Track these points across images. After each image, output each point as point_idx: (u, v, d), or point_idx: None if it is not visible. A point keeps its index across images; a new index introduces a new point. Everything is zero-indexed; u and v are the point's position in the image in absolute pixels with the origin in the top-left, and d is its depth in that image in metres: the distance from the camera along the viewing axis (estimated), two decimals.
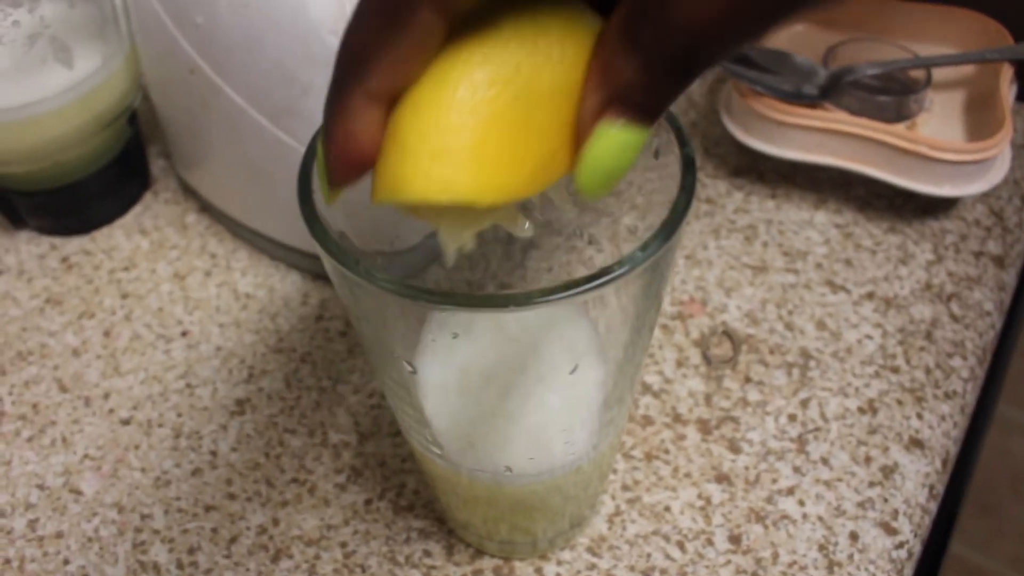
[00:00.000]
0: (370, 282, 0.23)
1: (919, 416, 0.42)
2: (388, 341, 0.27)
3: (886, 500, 0.39)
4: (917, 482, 0.40)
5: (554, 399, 0.32)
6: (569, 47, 0.20)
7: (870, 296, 0.46)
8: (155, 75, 0.47)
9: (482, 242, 0.42)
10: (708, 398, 0.42)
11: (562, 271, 0.39)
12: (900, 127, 0.49)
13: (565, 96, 0.20)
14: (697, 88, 0.59)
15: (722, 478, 0.40)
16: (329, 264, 0.25)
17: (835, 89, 0.50)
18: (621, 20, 0.19)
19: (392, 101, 0.21)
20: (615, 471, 0.40)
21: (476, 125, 0.19)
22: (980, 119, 0.51)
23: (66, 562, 0.39)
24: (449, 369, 0.32)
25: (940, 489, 0.40)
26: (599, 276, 0.23)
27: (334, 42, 0.33)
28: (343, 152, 0.22)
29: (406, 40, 0.20)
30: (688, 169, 0.26)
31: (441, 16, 0.20)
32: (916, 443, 0.41)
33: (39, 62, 0.43)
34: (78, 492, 0.41)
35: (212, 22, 0.40)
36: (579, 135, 0.20)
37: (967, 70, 0.54)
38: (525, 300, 0.23)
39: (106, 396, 0.44)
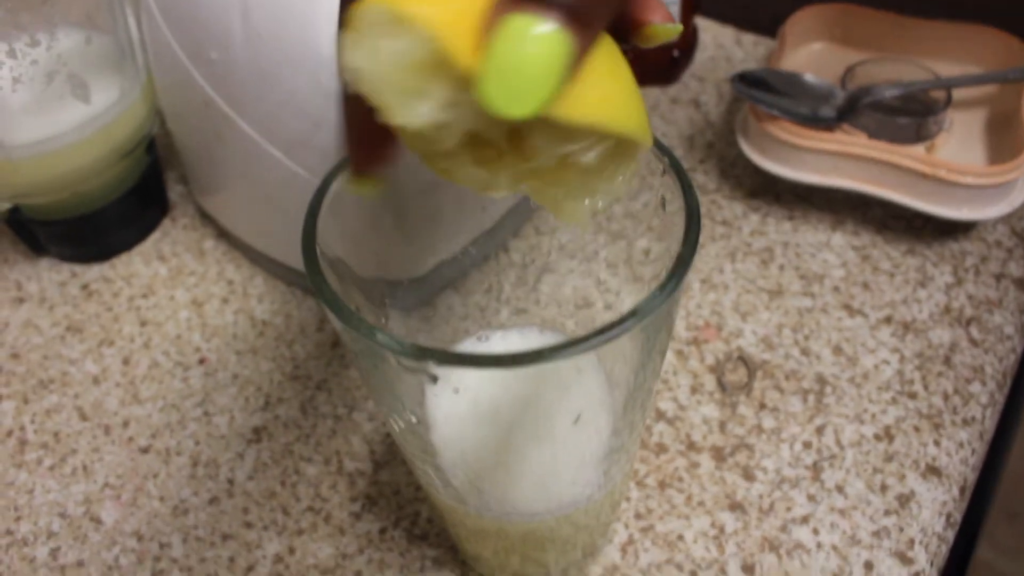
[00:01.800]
0: (373, 341, 0.23)
1: (936, 443, 0.41)
2: (393, 392, 0.27)
3: (902, 529, 0.39)
4: (934, 511, 0.39)
5: (562, 438, 0.32)
6: None
7: (888, 320, 0.46)
8: (171, 106, 0.48)
9: (496, 267, 0.42)
10: (722, 425, 0.42)
11: (576, 295, 0.39)
12: (918, 149, 0.49)
13: None
14: (714, 109, 0.59)
15: (736, 506, 0.40)
16: (335, 321, 0.25)
17: (853, 111, 0.50)
18: None
19: None
20: (628, 499, 0.40)
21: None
22: (1001, 139, 0.50)
23: None
24: (454, 411, 0.32)
25: (957, 517, 0.40)
26: (606, 330, 0.23)
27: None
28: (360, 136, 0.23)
29: None
30: (692, 220, 0.26)
31: None
32: (933, 471, 0.40)
33: (57, 98, 0.44)
34: (98, 521, 0.41)
35: (226, 57, 0.41)
36: (484, 31, 0.18)
37: (988, 89, 0.53)
38: (534, 358, 0.23)
39: (125, 424, 0.45)
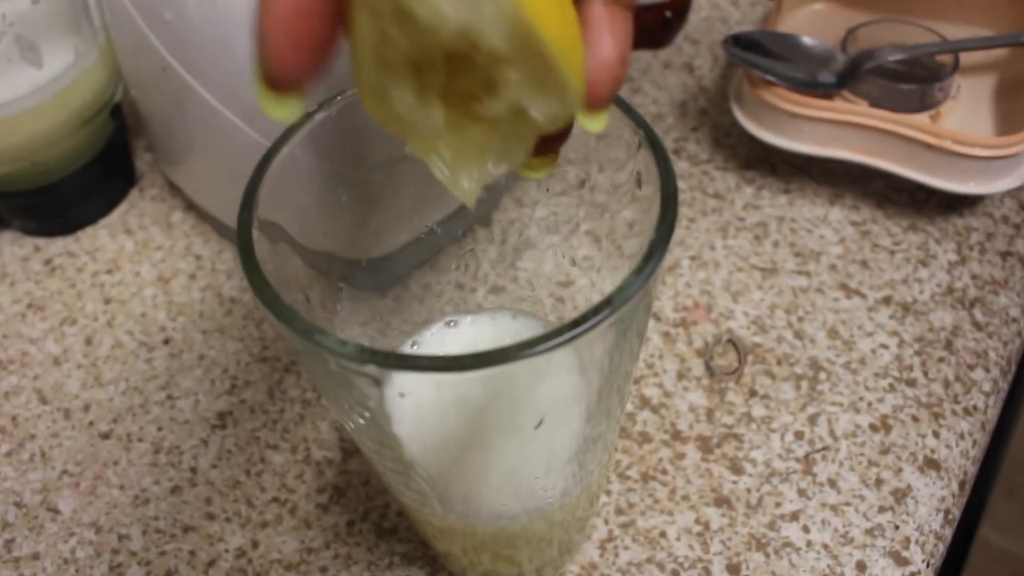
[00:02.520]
0: (322, 348, 0.21)
1: (936, 434, 0.39)
2: (342, 386, 0.25)
3: (897, 527, 0.36)
4: (931, 507, 0.37)
5: (532, 429, 0.30)
6: None
7: (887, 301, 0.43)
8: (131, 71, 0.45)
9: (474, 243, 0.40)
10: (710, 413, 0.40)
11: (558, 272, 0.36)
12: (923, 118, 0.46)
13: None
14: (708, 73, 0.56)
15: (722, 501, 0.38)
16: (261, 307, 0.23)
17: (854, 76, 0.47)
18: None
19: None
20: (608, 493, 0.38)
21: None
22: (1011, 107, 0.47)
23: None
24: (414, 407, 0.30)
25: (956, 514, 0.38)
26: (581, 322, 0.21)
27: None
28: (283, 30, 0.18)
29: None
30: (668, 204, 0.24)
31: None
32: (932, 464, 0.38)
33: (5, 62, 0.41)
34: (55, 511, 0.40)
35: (181, 19, 0.38)
36: None
37: (998, 54, 0.50)
38: (508, 356, 0.21)
39: (86, 408, 0.43)
